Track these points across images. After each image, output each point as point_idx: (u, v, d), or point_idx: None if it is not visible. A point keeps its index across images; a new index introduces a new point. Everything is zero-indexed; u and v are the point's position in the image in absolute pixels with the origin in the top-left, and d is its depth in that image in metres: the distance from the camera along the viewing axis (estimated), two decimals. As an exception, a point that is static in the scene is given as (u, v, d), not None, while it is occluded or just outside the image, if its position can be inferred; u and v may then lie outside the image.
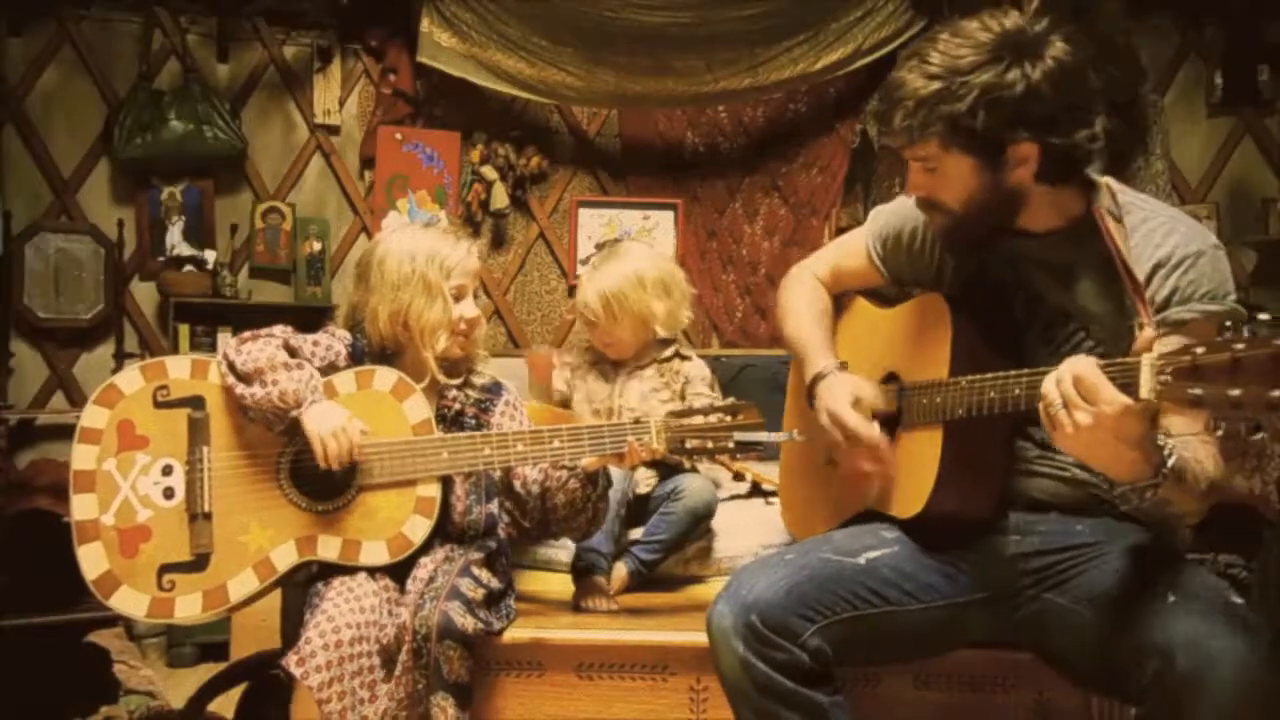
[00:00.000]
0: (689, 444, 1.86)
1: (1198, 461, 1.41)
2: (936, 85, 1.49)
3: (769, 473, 2.49)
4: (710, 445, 1.86)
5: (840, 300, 1.97)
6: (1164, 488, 1.35)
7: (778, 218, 4.60)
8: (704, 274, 4.60)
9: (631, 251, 2.50)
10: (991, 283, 1.68)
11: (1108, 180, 1.64)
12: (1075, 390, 1.29)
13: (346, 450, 1.83)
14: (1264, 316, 1.12)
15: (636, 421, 1.88)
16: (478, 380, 2.08)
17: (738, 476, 2.57)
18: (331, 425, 1.82)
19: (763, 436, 1.87)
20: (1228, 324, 1.16)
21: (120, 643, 3.27)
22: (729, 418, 1.87)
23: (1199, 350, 1.16)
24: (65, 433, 3.96)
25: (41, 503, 3.69)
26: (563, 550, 2.30)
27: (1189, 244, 1.55)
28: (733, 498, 2.51)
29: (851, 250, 1.93)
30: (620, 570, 2.24)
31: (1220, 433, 1.16)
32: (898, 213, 1.84)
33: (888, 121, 1.57)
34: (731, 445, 1.86)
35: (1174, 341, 1.31)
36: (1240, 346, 1.12)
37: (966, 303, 1.66)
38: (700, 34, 4.26)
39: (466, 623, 1.75)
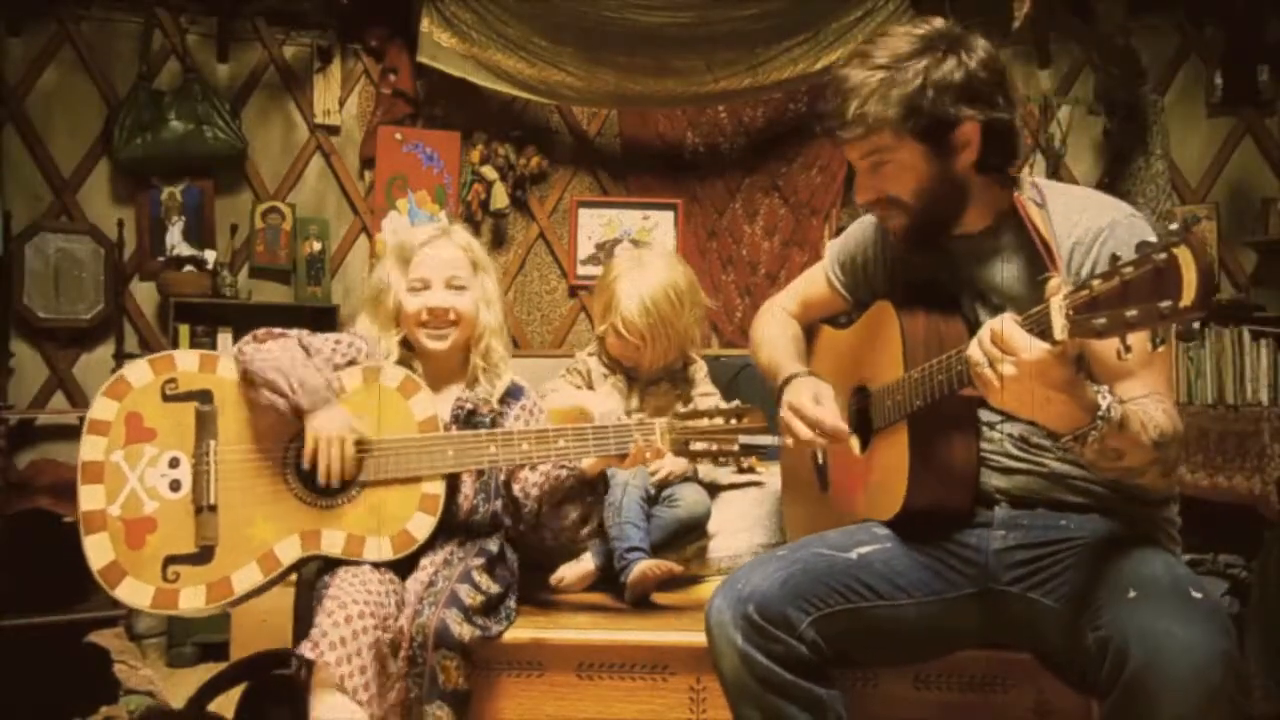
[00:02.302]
0: (694, 446, 1.88)
1: (1145, 413, 1.43)
2: (883, 74, 1.57)
3: (761, 466, 2.51)
4: (715, 447, 1.88)
5: (808, 332, 2.04)
6: (1108, 435, 1.37)
7: (778, 218, 4.60)
8: (704, 274, 4.59)
9: (671, 264, 2.47)
10: (939, 289, 1.72)
11: (1031, 176, 1.71)
12: (994, 345, 1.34)
13: (336, 460, 1.84)
14: (1147, 239, 1.18)
15: (642, 422, 1.89)
16: (496, 384, 2.09)
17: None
18: (328, 433, 1.83)
19: (768, 439, 1.89)
20: (1117, 255, 1.21)
21: (120, 643, 3.27)
22: (734, 420, 1.88)
23: (1096, 283, 1.22)
24: (65, 433, 4.00)
25: (41, 503, 3.69)
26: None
27: (1101, 216, 1.59)
28: (730, 486, 2.51)
29: (814, 281, 2.02)
30: (587, 564, 2.23)
31: (1129, 355, 1.22)
32: (852, 236, 1.92)
33: (838, 116, 1.61)
34: (736, 448, 1.88)
35: None
36: (1128, 270, 1.19)
37: (913, 305, 1.70)
38: (700, 34, 4.27)
39: (463, 631, 1.75)
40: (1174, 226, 1.15)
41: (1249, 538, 3.16)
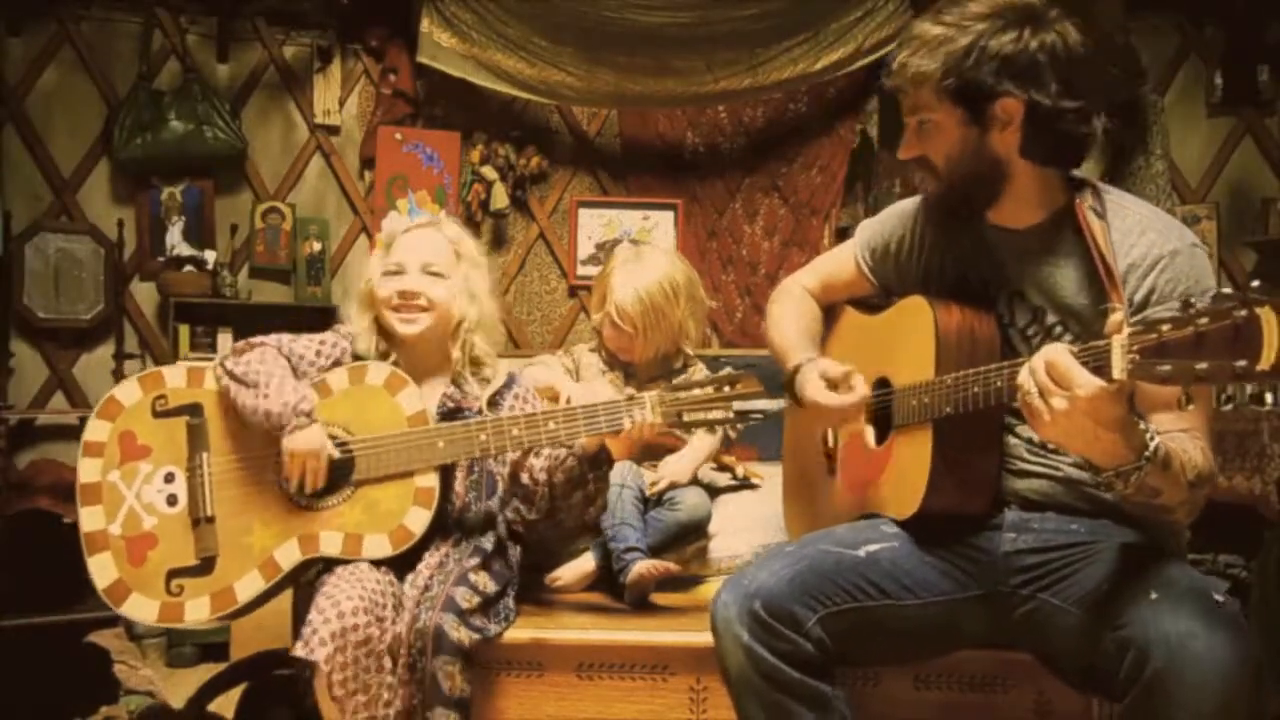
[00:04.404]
0: (686, 417, 1.82)
1: (1184, 451, 1.42)
2: (942, 31, 1.56)
3: (760, 468, 2.50)
4: (709, 416, 1.82)
5: (830, 311, 1.99)
6: (1149, 474, 1.35)
7: (777, 218, 4.60)
8: (704, 274, 4.58)
9: (671, 260, 2.47)
10: (974, 282, 1.70)
11: (1094, 180, 1.66)
12: (1049, 377, 1.31)
13: (311, 476, 1.86)
14: (1226, 290, 1.15)
15: (632, 397, 1.84)
16: (484, 377, 2.08)
17: (723, 469, 2.56)
18: (302, 450, 1.84)
19: (764, 404, 1.83)
20: (1191, 300, 1.18)
21: (120, 643, 3.27)
22: (727, 387, 1.82)
23: (1165, 328, 1.19)
24: (65, 433, 3.99)
25: (41, 503, 3.68)
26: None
27: (1165, 243, 1.55)
28: (722, 490, 2.51)
29: (840, 261, 1.96)
30: (587, 564, 2.23)
31: (1191, 407, 1.19)
32: (885, 223, 1.87)
33: (890, 64, 1.62)
34: (731, 414, 1.82)
35: None
36: (1203, 321, 1.15)
37: (949, 303, 1.67)
38: (700, 34, 4.27)
39: (461, 635, 1.74)
40: (1256, 284, 1.12)
41: (1249, 538, 3.16)
